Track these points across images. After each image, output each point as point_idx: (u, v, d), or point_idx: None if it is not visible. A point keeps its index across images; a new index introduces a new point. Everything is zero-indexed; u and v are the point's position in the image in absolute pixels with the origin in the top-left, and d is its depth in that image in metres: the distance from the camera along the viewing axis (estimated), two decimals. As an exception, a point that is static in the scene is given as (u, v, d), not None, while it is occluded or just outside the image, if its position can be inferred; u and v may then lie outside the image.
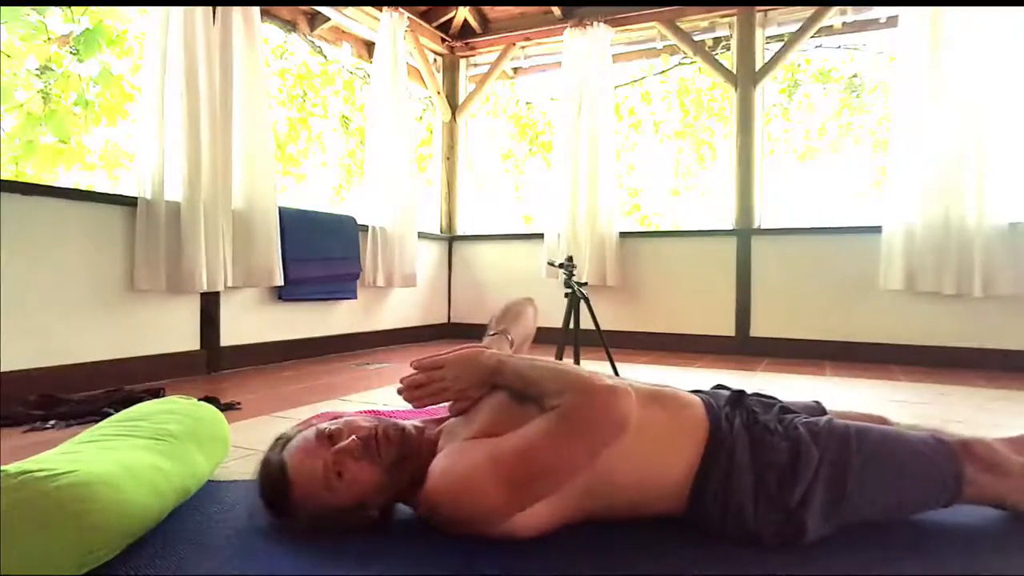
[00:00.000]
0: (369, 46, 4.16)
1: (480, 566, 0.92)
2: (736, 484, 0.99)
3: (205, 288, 2.67)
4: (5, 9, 3.46)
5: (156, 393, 2.20)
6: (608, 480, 0.98)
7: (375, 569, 0.93)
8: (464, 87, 4.73)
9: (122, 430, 1.18)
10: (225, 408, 2.03)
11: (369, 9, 3.85)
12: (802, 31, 3.64)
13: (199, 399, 1.49)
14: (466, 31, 4.54)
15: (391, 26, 3.83)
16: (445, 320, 4.56)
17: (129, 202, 2.54)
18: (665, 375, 2.91)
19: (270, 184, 3.00)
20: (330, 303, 3.57)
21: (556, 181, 4.05)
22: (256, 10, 2.99)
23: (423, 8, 4.29)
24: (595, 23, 3.93)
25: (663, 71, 5.70)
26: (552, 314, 3.33)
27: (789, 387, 2.56)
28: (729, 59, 3.89)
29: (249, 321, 3.09)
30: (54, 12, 3.77)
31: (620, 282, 3.94)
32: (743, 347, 3.67)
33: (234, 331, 3.00)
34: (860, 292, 3.40)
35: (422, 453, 1.03)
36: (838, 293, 3.48)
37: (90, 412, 1.97)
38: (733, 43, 3.85)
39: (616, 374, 2.10)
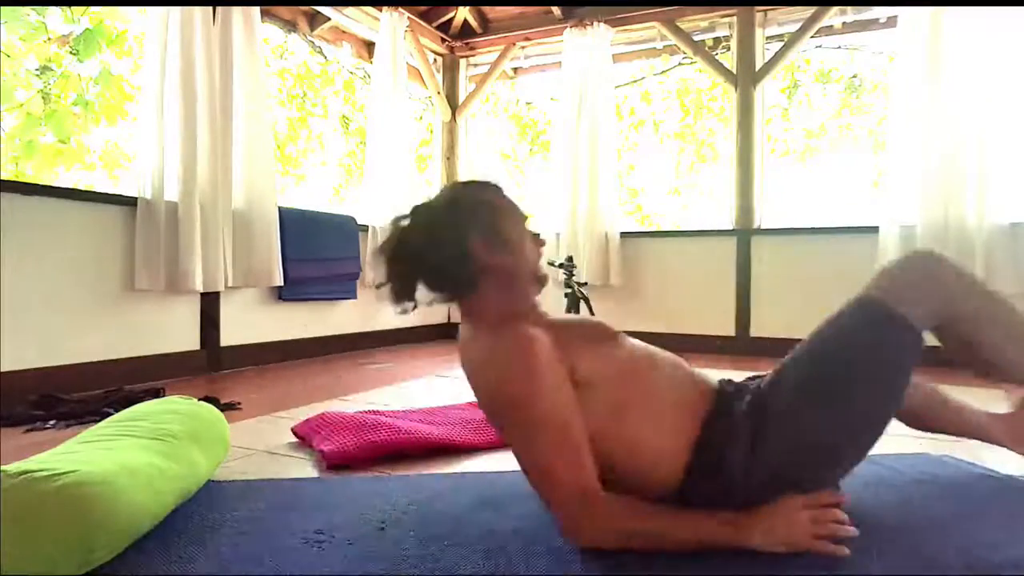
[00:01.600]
0: (369, 46, 4.16)
1: (484, 566, 0.92)
2: (731, 453, 1.01)
3: (205, 288, 2.67)
4: (5, 9, 3.46)
5: (156, 393, 2.20)
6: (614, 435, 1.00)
7: (375, 569, 0.93)
8: (464, 87, 4.73)
9: (122, 430, 1.19)
10: (225, 408, 2.03)
11: (369, 9, 3.85)
12: (802, 31, 3.64)
13: (199, 399, 1.49)
14: (466, 31, 4.54)
15: (391, 26, 3.83)
16: (445, 320, 4.56)
17: (129, 202, 2.54)
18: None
19: (270, 184, 3.00)
20: (330, 303, 3.56)
21: (556, 181, 4.05)
22: (256, 10, 2.99)
23: (423, 8, 4.29)
24: (595, 23, 3.93)
25: (663, 71, 5.70)
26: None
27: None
28: (729, 59, 3.89)
29: (249, 321, 3.09)
30: (54, 12, 3.77)
31: (620, 282, 3.93)
32: (743, 347, 3.67)
33: (234, 331, 3.00)
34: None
35: (535, 308, 1.14)
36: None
37: (90, 412, 1.97)
38: (733, 43, 3.85)
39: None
